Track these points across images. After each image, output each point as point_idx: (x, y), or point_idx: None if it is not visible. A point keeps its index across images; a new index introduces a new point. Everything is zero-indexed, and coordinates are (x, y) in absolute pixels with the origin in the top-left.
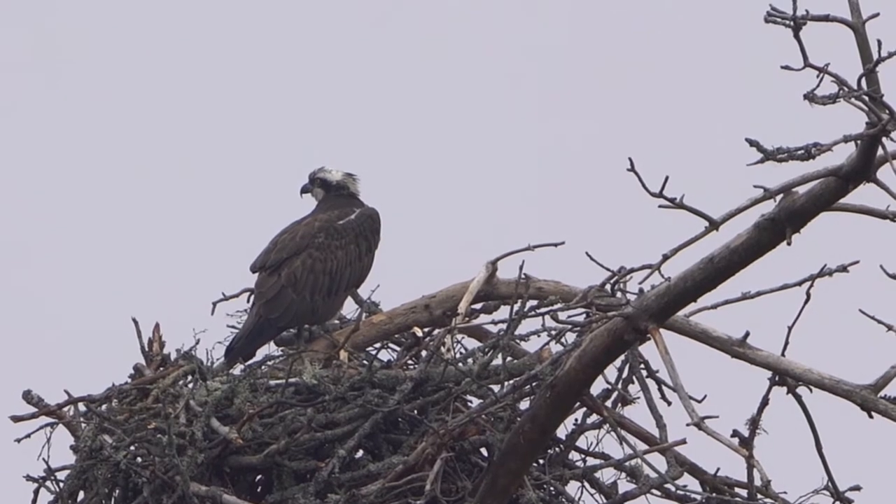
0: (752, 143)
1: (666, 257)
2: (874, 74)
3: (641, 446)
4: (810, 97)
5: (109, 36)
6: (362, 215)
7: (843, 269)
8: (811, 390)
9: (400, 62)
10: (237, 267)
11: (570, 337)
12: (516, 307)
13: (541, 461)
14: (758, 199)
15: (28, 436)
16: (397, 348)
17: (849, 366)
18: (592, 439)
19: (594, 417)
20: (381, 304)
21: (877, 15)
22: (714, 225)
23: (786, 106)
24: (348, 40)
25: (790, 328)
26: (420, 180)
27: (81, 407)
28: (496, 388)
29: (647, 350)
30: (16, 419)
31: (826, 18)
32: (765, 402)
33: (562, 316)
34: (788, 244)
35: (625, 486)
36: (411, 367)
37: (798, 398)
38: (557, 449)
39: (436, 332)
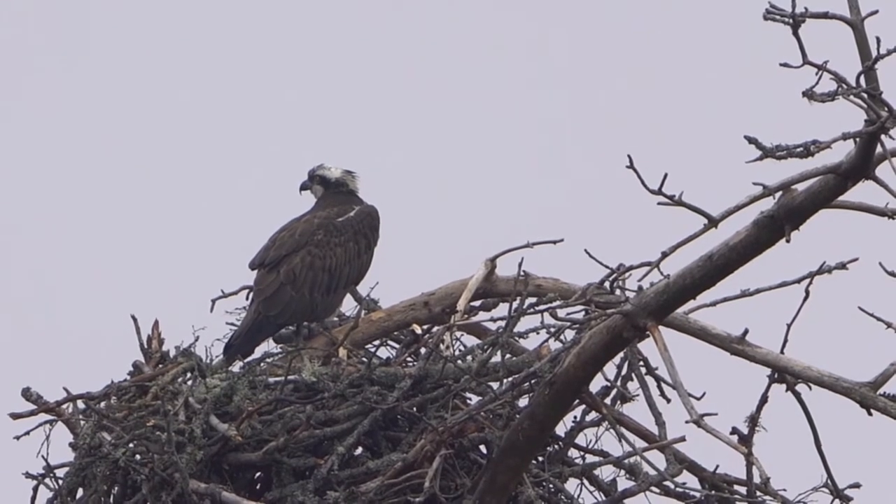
0: (751, 140)
1: (665, 255)
2: (873, 72)
3: (640, 443)
4: (809, 94)
5: (109, 35)
6: (361, 212)
7: (843, 266)
8: (810, 388)
9: (400, 61)
10: (236, 264)
11: (570, 334)
12: (515, 304)
13: (540, 458)
14: (757, 196)
15: (27, 433)
16: (396, 345)
17: (848, 363)
18: (591, 436)
19: (593, 415)
20: (381, 301)
21: (876, 12)
22: (713, 222)
23: (785, 103)
24: (348, 40)
25: (789, 325)
26: (419, 178)
27: (80, 404)
28: (495, 385)
29: (647, 347)
30: (15, 416)
31: (825, 16)
32: (764, 399)
33: (561, 313)
34: (787, 241)
35: (624, 483)
36: (410, 364)
37: (797, 395)
38: (556, 446)
39: (435, 329)
